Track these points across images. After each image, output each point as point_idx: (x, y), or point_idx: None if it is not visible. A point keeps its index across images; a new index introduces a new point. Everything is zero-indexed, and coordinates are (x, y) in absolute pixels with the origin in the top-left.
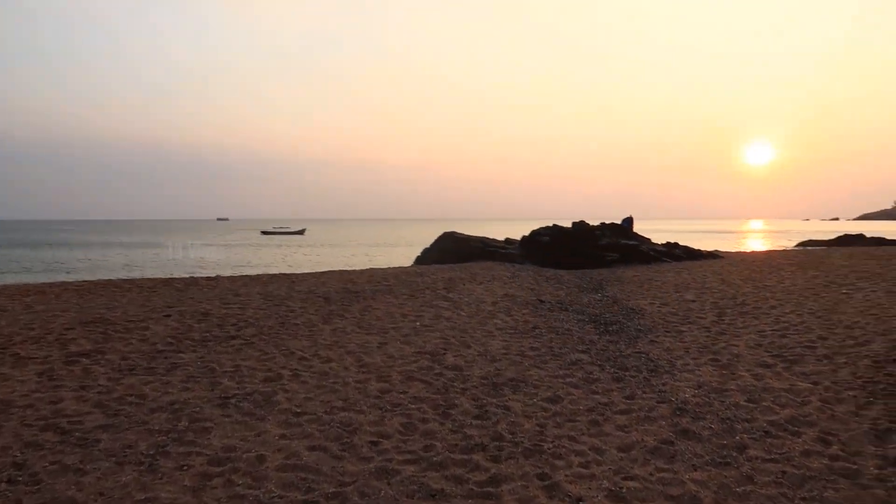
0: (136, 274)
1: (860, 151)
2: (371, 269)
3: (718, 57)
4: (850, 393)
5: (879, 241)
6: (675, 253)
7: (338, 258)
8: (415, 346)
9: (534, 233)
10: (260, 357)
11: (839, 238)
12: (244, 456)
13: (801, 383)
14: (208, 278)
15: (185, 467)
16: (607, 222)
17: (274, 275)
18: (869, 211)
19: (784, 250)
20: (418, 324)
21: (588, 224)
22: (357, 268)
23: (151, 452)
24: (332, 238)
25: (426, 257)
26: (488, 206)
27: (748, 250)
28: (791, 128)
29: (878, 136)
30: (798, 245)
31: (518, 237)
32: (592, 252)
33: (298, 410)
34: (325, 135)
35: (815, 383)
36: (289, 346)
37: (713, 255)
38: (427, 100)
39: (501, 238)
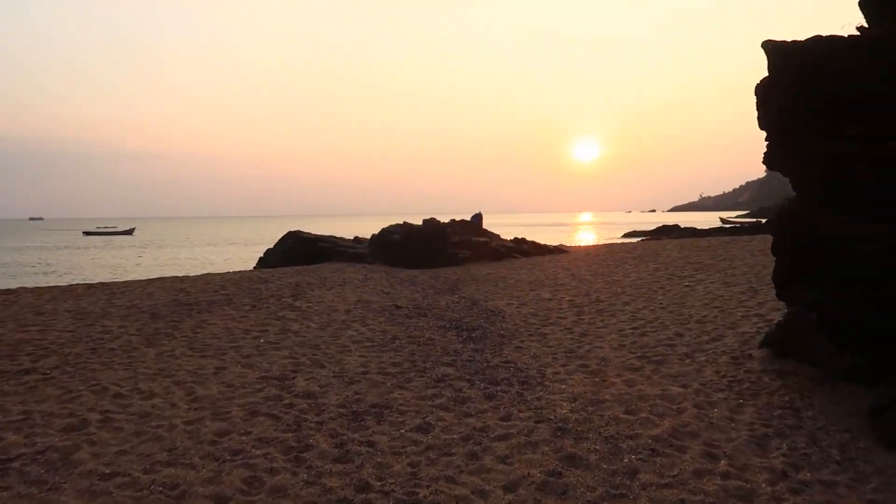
0: None
1: (672, 151)
2: (207, 274)
3: (552, 55)
4: (720, 395)
5: (693, 231)
6: (524, 248)
7: (170, 262)
8: (259, 370)
9: (384, 231)
10: (61, 397)
11: (659, 228)
12: None
13: (672, 387)
14: (6, 292)
15: None
16: (457, 219)
17: (91, 285)
18: (679, 203)
19: (623, 243)
20: (262, 340)
21: (438, 221)
22: (192, 272)
23: None
24: (164, 238)
25: (269, 259)
26: (333, 203)
27: (590, 244)
28: (613, 127)
29: (686, 138)
30: (624, 235)
31: (366, 235)
32: (444, 250)
33: (107, 471)
34: (152, 125)
35: (685, 386)
36: (100, 380)
37: (559, 250)
38: (266, 94)
39: (349, 236)
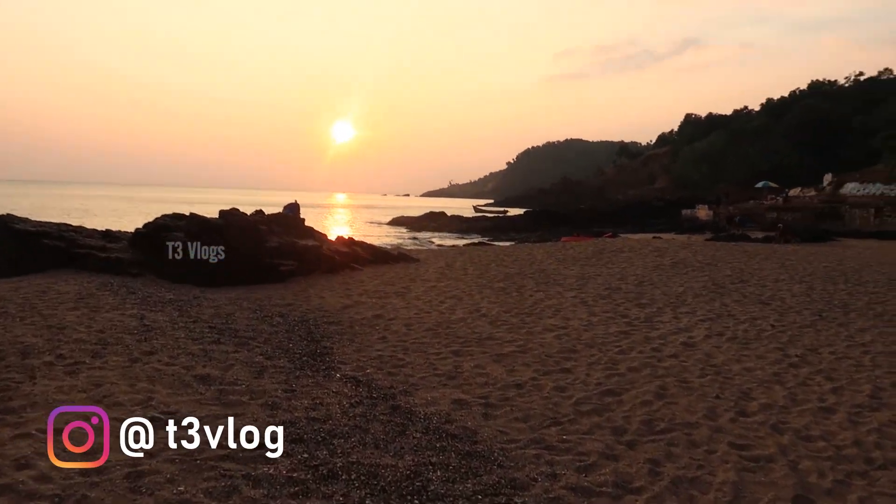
0: None
1: (425, 140)
2: None
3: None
4: None
5: (460, 218)
6: (361, 256)
7: None
8: None
9: (157, 225)
10: None
11: (427, 214)
12: None
13: None
14: None
15: None
16: (267, 211)
17: None
18: (431, 189)
19: (472, 244)
20: None
21: (245, 214)
22: None
23: None
24: None
25: None
26: (53, 166)
27: (433, 246)
28: (369, 110)
29: (437, 130)
30: (392, 221)
31: (94, 210)
32: (260, 259)
33: None
34: None
35: None
36: None
37: (404, 256)
38: None
39: (71, 214)
